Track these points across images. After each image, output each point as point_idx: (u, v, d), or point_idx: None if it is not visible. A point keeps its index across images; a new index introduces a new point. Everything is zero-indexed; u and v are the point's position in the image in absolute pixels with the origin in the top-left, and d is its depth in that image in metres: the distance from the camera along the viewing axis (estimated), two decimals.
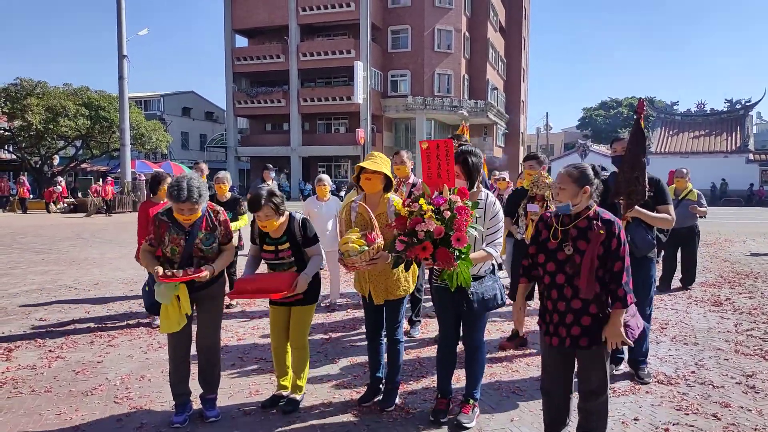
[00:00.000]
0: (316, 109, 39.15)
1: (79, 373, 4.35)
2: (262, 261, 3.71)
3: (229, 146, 41.34)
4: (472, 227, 2.94)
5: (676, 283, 7.80)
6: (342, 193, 29.68)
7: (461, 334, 3.52)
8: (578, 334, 2.75)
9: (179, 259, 3.33)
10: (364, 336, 4.03)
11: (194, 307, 3.50)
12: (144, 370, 4.41)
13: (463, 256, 2.88)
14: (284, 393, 3.75)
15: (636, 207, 3.93)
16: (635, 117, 3.98)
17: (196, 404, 3.64)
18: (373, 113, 37.18)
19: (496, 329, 5.64)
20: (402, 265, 3.58)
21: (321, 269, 3.76)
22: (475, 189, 3.40)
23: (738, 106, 38.25)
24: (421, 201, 2.92)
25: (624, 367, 4.34)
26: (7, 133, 29.50)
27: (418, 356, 4.79)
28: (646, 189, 3.88)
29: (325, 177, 6.55)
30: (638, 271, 4.15)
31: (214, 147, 48.30)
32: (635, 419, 3.52)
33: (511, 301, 5.16)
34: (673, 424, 3.45)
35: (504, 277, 7.01)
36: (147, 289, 3.47)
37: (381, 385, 3.78)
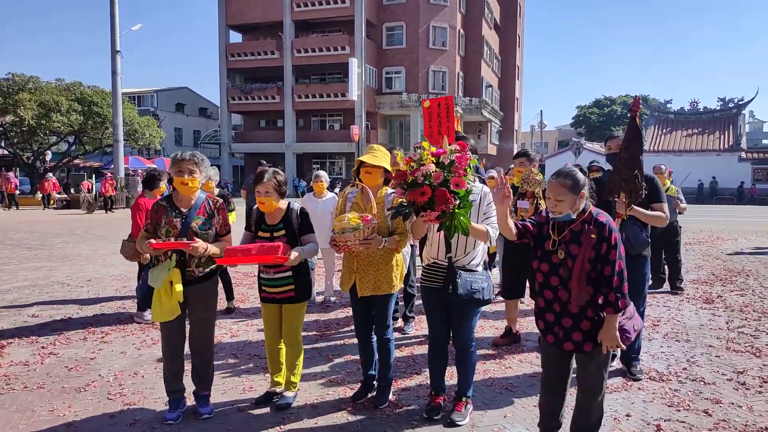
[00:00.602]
0: (311, 106, 39.08)
1: (72, 369, 4.33)
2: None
3: (223, 142, 41.22)
4: (469, 181, 2.97)
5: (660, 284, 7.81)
6: (336, 190, 29.67)
7: (452, 334, 3.51)
8: (581, 340, 2.75)
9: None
10: None
11: (188, 304, 3.46)
12: (137, 366, 4.40)
13: (461, 201, 2.89)
14: (278, 390, 3.75)
15: (632, 205, 3.95)
16: (630, 115, 3.98)
17: (190, 401, 3.63)
18: (368, 110, 37.15)
19: (489, 326, 5.66)
20: (393, 260, 3.60)
21: (318, 260, 3.76)
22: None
23: (731, 105, 38.45)
24: (424, 144, 2.97)
25: (616, 364, 4.37)
26: None
27: (411, 353, 4.80)
28: (644, 187, 3.89)
29: (323, 173, 6.50)
30: (632, 269, 4.18)
31: (208, 143, 48.12)
32: (627, 415, 3.55)
33: (501, 299, 5.21)
34: (665, 420, 3.47)
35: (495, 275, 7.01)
36: (141, 282, 3.48)
37: (374, 382, 3.78)
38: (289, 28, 38.13)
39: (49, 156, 31.27)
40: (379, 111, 38.64)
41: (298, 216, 3.64)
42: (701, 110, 39.46)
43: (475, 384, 3.69)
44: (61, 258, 10.02)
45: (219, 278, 6.41)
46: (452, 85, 39.07)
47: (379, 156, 3.59)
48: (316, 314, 6.10)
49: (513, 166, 5.27)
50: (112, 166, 25.49)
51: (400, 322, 5.55)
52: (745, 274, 8.83)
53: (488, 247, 3.65)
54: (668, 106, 41.22)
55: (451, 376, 3.84)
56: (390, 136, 40.15)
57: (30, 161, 30.44)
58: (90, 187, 26.67)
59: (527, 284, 5.03)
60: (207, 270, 3.47)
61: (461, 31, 40.11)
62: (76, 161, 34.23)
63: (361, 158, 3.58)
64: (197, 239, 3.28)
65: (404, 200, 3.04)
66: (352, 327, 5.54)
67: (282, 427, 3.39)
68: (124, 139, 26.69)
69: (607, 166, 4.52)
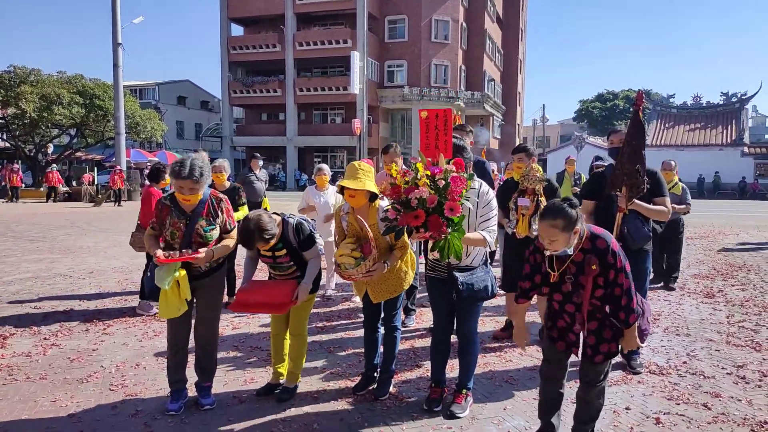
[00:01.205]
0: (312, 99, 39.02)
1: (74, 360, 4.35)
2: (260, 262, 3.73)
3: (225, 136, 41.19)
4: (466, 199, 2.90)
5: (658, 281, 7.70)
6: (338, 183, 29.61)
7: (455, 325, 3.55)
8: (592, 354, 2.80)
9: (179, 243, 3.33)
10: (359, 325, 4.05)
11: (194, 297, 3.48)
12: (139, 357, 4.42)
13: (455, 227, 2.84)
14: (280, 381, 3.77)
15: (634, 200, 3.94)
16: (633, 109, 3.96)
17: (192, 392, 3.65)
18: (370, 104, 37.07)
19: (490, 320, 5.67)
20: (398, 267, 3.59)
21: (321, 254, 3.76)
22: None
23: (734, 100, 38.33)
24: (419, 165, 2.87)
25: (617, 357, 4.38)
26: (0, 121, 29.28)
27: (412, 346, 4.81)
28: (646, 182, 3.89)
29: (325, 167, 6.49)
30: (634, 263, 4.17)
31: (210, 136, 48.11)
32: (627, 408, 3.56)
33: (503, 292, 5.20)
34: (664, 414, 3.49)
35: (496, 265, 7.02)
36: (149, 274, 3.46)
37: (375, 374, 3.80)
38: (291, 21, 38.02)
39: (50, 149, 31.30)
40: (380, 104, 38.57)
41: (295, 232, 3.53)
42: (704, 105, 39.34)
43: (476, 377, 3.70)
44: (63, 250, 10.05)
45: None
46: (454, 79, 38.96)
47: (361, 177, 3.39)
48: (317, 307, 6.11)
49: (512, 161, 5.23)
50: (114, 159, 25.50)
51: (402, 315, 5.55)
52: (746, 268, 8.83)
53: None
54: (671, 100, 41.23)
55: (451, 369, 3.85)
56: (392, 130, 40.09)
57: (32, 154, 30.47)
58: (91, 180, 26.69)
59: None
60: (215, 265, 3.49)
61: (464, 24, 39.95)
62: (78, 154, 34.26)
63: (341, 182, 3.44)
64: (201, 251, 3.25)
65: (396, 222, 2.96)
66: (353, 320, 5.57)
67: (283, 417, 3.41)
68: (126, 132, 26.68)
69: (610, 160, 4.51)
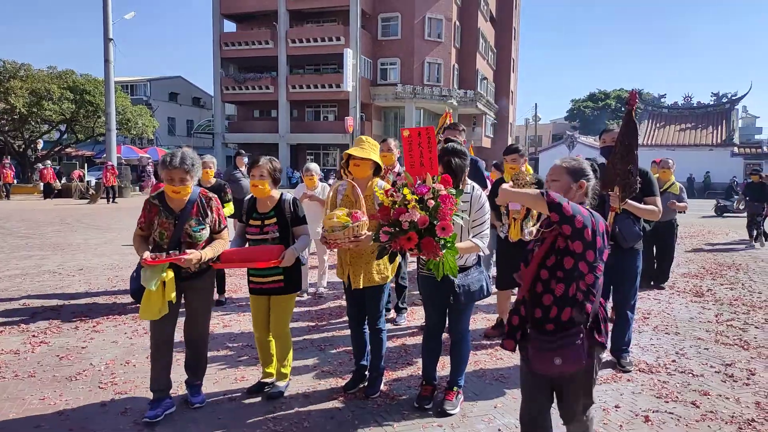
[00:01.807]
0: (305, 96, 38.90)
1: (63, 358, 4.32)
2: (248, 242, 3.70)
3: (217, 132, 40.99)
4: (457, 215, 2.85)
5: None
6: (330, 182, 29.61)
7: (447, 323, 3.55)
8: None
9: (167, 243, 3.25)
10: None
11: (183, 297, 3.43)
12: (129, 355, 4.39)
13: (448, 245, 2.81)
14: (269, 380, 3.76)
15: (626, 199, 3.96)
16: (626, 109, 3.96)
17: (182, 389, 3.64)
18: (363, 101, 37.04)
19: (481, 317, 5.69)
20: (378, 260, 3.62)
21: (311, 255, 3.77)
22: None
23: (724, 100, 38.59)
24: (405, 191, 2.81)
25: (606, 356, 4.41)
26: None
27: (404, 344, 4.82)
28: (638, 182, 3.90)
29: (313, 166, 6.40)
30: (625, 261, 4.21)
31: (201, 133, 47.86)
32: (616, 407, 3.58)
33: (497, 290, 5.23)
34: (653, 412, 3.51)
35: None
36: (135, 275, 3.35)
37: (366, 373, 3.80)
38: (284, 18, 37.86)
39: (40, 144, 31.02)
40: (373, 102, 38.53)
41: (291, 206, 3.62)
42: (695, 105, 39.58)
43: (466, 374, 3.71)
44: (53, 247, 9.96)
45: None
46: (447, 77, 38.99)
47: (367, 148, 3.59)
48: (308, 306, 6.10)
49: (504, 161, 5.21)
50: (105, 155, 25.31)
51: (392, 314, 5.56)
52: (735, 267, 8.91)
53: None
54: (662, 100, 41.33)
55: (443, 366, 3.86)
56: (385, 128, 40.05)
57: (21, 150, 30.18)
58: (81, 176, 26.49)
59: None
60: (203, 266, 3.39)
61: (457, 23, 39.97)
62: (68, 150, 33.98)
63: (348, 151, 3.58)
64: (189, 251, 3.18)
65: (389, 246, 2.88)
66: (344, 318, 5.55)
67: (274, 415, 3.41)
68: (117, 128, 26.50)
69: (602, 160, 4.52)
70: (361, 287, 3.59)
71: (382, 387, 3.78)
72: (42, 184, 23.78)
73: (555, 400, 2.53)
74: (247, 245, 3.67)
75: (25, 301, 6.07)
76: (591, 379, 2.42)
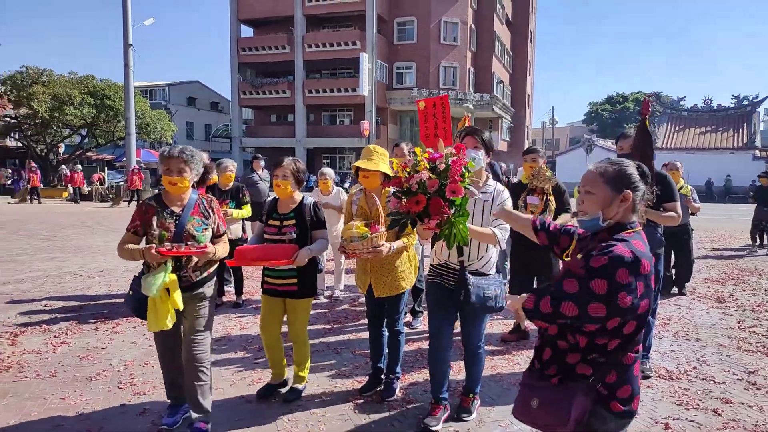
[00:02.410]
0: (321, 101, 39.09)
1: (83, 358, 4.38)
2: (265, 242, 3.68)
3: (234, 137, 41.35)
4: (468, 186, 2.67)
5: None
6: (347, 185, 29.69)
7: (461, 335, 3.40)
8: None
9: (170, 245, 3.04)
10: (366, 326, 4.03)
11: (182, 315, 3.16)
12: (148, 356, 4.44)
13: (458, 209, 2.64)
14: (277, 381, 3.75)
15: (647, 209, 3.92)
16: (641, 118, 3.96)
17: None
18: (378, 105, 37.09)
19: (498, 322, 5.65)
20: (405, 258, 3.63)
21: (328, 260, 3.77)
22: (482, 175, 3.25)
23: (745, 103, 37.99)
24: (417, 151, 2.70)
25: None
26: (13, 121, 29.58)
27: (420, 348, 4.80)
28: (655, 190, 3.87)
29: (328, 171, 6.34)
30: None
31: (219, 137, 48.30)
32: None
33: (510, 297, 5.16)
34: (674, 419, 3.45)
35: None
36: (131, 293, 3.11)
37: (382, 376, 3.80)
38: (301, 23, 38.12)
39: (62, 148, 31.58)
40: (389, 106, 38.58)
41: (312, 209, 3.60)
42: (715, 108, 39.02)
43: (483, 379, 3.69)
44: (74, 249, 10.12)
45: (232, 273, 6.36)
46: (463, 81, 38.91)
47: (375, 159, 3.56)
48: (324, 308, 6.12)
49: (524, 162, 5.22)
50: (124, 159, 25.65)
51: (408, 317, 5.56)
52: (758, 273, 8.74)
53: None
54: (681, 103, 40.80)
55: (459, 371, 3.84)
56: (401, 132, 40.08)
57: (43, 154, 30.74)
58: (101, 179, 26.88)
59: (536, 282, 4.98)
60: (204, 275, 3.17)
61: (472, 26, 39.90)
62: (89, 154, 34.52)
63: (357, 163, 3.56)
64: (206, 245, 3.04)
65: (398, 209, 2.73)
66: (360, 321, 5.56)
67: (290, 418, 3.42)
68: (136, 133, 26.83)
69: None
70: (384, 296, 3.60)
71: (398, 392, 3.77)
72: (72, 188, 24.06)
73: None
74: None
75: (47, 302, 6.17)
76: None
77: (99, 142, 32.72)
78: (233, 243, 6.06)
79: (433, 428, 3.23)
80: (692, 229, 7.55)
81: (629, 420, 1.89)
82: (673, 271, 7.31)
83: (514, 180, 8.28)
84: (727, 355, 4.70)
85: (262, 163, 8.20)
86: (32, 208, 19.68)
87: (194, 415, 3.12)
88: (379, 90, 36.94)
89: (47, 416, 3.38)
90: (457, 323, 3.45)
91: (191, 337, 3.14)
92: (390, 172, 3.55)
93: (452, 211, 2.59)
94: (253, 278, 7.49)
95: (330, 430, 3.28)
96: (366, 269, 3.60)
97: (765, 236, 11.49)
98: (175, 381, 3.28)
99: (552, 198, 4.76)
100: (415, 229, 3.02)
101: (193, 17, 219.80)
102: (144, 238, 3.10)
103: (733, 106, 38.54)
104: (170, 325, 3.00)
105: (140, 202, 3.16)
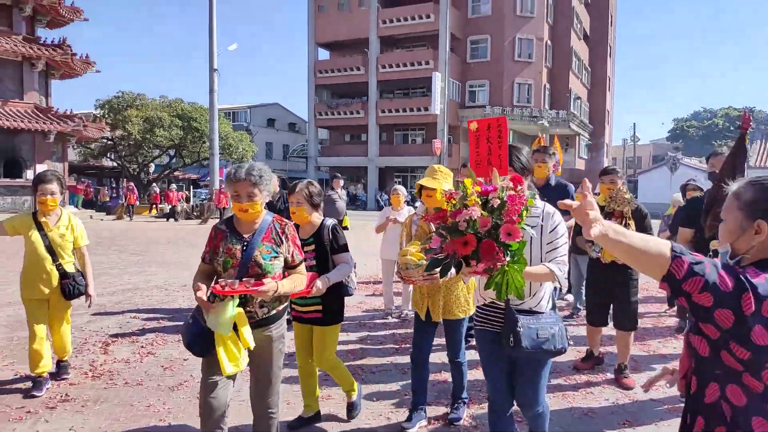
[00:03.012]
0: (394, 120, 39.63)
1: (167, 369, 4.66)
2: None
3: (310, 156, 42.66)
4: (526, 226, 2.18)
5: None
6: (417, 204, 29.78)
7: (516, 395, 2.75)
8: None
9: (232, 275, 2.70)
10: (436, 347, 4.00)
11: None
12: None
13: (515, 255, 2.17)
14: (308, 414, 3.63)
15: None
16: (740, 132, 3.73)
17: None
18: (450, 124, 37.12)
19: (570, 349, 5.44)
20: (461, 289, 3.48)
21: (354, 281, 3.63)
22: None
23: None
24: (467, 182, 2.22)
25: None
26: (109, 143, 32.09)
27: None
28: None
29: (401, 188, 6.77)
30: None
31: (296, 157, 50.00)
32: None
33: (587, 325, 4.90)
34: None
35: (566, 301, 6.76)
36: (190, 321, 2.74)
37: (422, 410, 3.62)
38: (375, 45, 38.98)
39: (152, 168, 33.85)
40: (461, 125, 38.49)
41: (330, 232, 3.47)
42: None
43: (554, 411, 3.59)
44: (161, 264, 10.78)
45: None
46: (538, 98, 38.25)
47: (439, 178, 3.49)
48: (393, 329, 6.16)
49: (601, 183, 4.94)
50: (208, 178, 27.08)
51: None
52: None
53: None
54: None
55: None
56: None
57: (135, 173, 33.05)
58: (186, 197, 28.51)
59: (610, 311, 4.74)
60: (272, 312, 2.82)
61: (548, 42, 39.24)
62: (176, 173, 36.74)
63: (420, 182, 3.51)
64: (266, 282, 2.59)
65: (441, 249, 2.21)
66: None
67: None
68: (220, 153, 28.34)
69: (708, 184, 4.26)
70: (439, 320, 3.52)
71: (466, 417, 3.73)
72: (168, 206, 25.47)
73: None
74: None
75: (135, 314, 6.61)
76: None
77: (185, 161, 34.79)
78: None
79: None
80: None
81: None
82: None
83: None
84: None
85: (341, 182, 8.51)
86: (125, 225, 21.14)
87: None
88: (451, 108, 36.99)
89: (134, 422, 3.62)
90: None
91: (262, 386, 2.85)
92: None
93: (507, 259, 2.11)
94: None
95: None
96: (423, 292, 3.55)
97: None
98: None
99: (631, 222, 4.40)
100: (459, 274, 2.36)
101: (273, 42, 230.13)
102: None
103: None
104: (243, 366, 2.66)
105: (213, 226, 2.88)
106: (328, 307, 3.44)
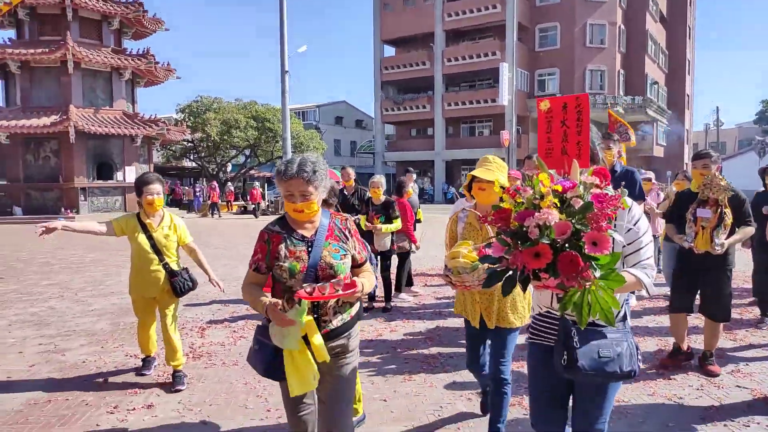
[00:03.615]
0: (460, 113, 39.42)
1: None
2: None
3: (377, 152, 43.21)
4: (614, 232, 1.70)
5: None
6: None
7: (572, 421, 2.27)
8: None
9: (302, 278, 2.33)
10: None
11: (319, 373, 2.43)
12: None
13: (604, 271, 1.64)
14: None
15: None
16: None
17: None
18: (519, 114, 36.39)
19: (652, 342, 5.29)
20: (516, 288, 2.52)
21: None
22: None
23: None
24: (541, 177, 1.73)
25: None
26: (189, 144, 33.91)
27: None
28: None
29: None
30: None
31: (363, 153, 50.75)
32: None
33: (670, 314, 4.64)
34: None
35: (658, 291, 6.57)
36: (257, 347, 2.45)
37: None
38: (440, 38, 38.89)
39: (229, 167, 35.49)
40: (530, 115, 37.74)
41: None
42: None
43: (638, 408, 3.59)
44: (242, 258, 11.39)
45: (382, 280, 6.67)
46: (612, 84, 36.90)
47: (494, 169, 2.99)
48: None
49: (692, 169, 4.56)
50: None
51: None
52: None
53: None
54: None
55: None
56: None
57: (214, 173, 34.75)
58: (261, 194, 29.72)
59: (696, 299, 4.53)
60: (346, 318, 2.45)
61: (622, 26, 37.72)
62: (252, 172, 38.32)
63: (473, 172, 3.02)
64: (356, 280, 2.30)
65: (506, 259, 1.73)
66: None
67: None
68: (292, 152, 29.26)
69: None
70: (493, 327, 3.03)
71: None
72: (252, 204, 26.78)
73: None
74: None
75: (226, 302, 7.08)
76: None
77: (260, 160, 36.20)
78: (384, 255, 6.48)
79: None
80: None
81: None
82: None
83: (661, 196, 7.55)
84: None
85: (414, 176, 8.66)
86: (210, 222, 22.33)
87: None
88: (519, 99, 36.31)
89: (234, 397, 3.97)
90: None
91: (335, 406, 2.46)
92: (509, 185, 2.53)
93: (596, 275, 1.62)
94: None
95: None
96: (475, 298, 3.07)
97: None
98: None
99: (727, 210, 4.14)
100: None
101: (340, 41, 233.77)
102: (270, 274, 2.44)
103: None
104: (316, 384, 2.35)
105: (262, 230, 2.48)
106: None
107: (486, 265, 1.85)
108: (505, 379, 3.02)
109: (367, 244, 2.47)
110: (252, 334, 3.43)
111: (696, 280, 4.42)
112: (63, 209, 22.10)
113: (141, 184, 4.08)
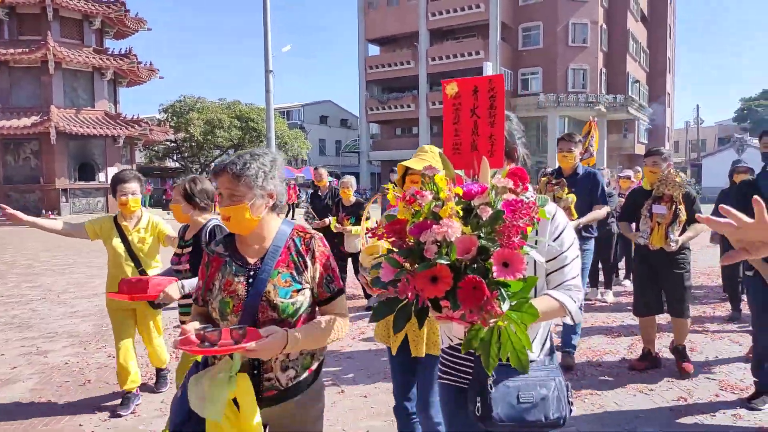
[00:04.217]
0: None
1: None
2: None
3: (362, 151, 43.24)
4: (530, 247, 1.32)
5: None
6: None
7: None
8: None
9: (235, 322, 1.76)
10: None
11: None
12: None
13: (517, 301, 1.27)
14: None
15: None
16: None
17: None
18: None
19: (624, 343, 5.24)
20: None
21: None
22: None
23: None
24: (439, 179, 1.35)
25: None
26: (172, 144, 33.71)
27: None
28: None
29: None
30: None
31: (348, 152, 50.75)
32: None
33: (637, 317, 4.52)
34: None
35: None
36: (180, 393, 1.83)
37: None
38: (425, 38, 39.00)
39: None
40: (515, 113, 38.03)
41: (207, 236, 2.92)
42: None
43: (600, 416, 3.68)
44: None
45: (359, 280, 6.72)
46: (594, 83, 37.29)
47: (428, 159, 2.46)
48: None
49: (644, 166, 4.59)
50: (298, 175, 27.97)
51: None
52: None
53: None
54: None
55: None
56: (527, 139, 39.19)
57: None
58: None
59: (663, 297, 4.43)
60: (303, 374, 1.84)
61: (603, 25, 38.13)
62: None
63: (405, 163, 2.52)
64: (268, 334, 1.63)
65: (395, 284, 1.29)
66: None
67: None
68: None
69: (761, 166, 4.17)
70: (422, 355, 2.47)
71: None
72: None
73: None
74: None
75: None
76: None
77: None
78: (355, 257, 6.31)
79: None
80: None
81: None
82: None
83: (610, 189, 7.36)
84: None
85: (394, 176, 8.71)
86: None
87: None
88: None
89: None
90: None
91: None
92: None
93: (504, 306, 1.23)
94: None
95: None
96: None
97: None
98: None
99: (682, 207, 4.20)
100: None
101: (325, 40, 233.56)
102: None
103: None
104: None
105: (207, 249, 1.95)
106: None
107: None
108: (435, 420, 2.45)
109: (338, 272, 1.92)
110: None
111: (656, 278, 4.37)
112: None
113: (115, 183, 3.65)
